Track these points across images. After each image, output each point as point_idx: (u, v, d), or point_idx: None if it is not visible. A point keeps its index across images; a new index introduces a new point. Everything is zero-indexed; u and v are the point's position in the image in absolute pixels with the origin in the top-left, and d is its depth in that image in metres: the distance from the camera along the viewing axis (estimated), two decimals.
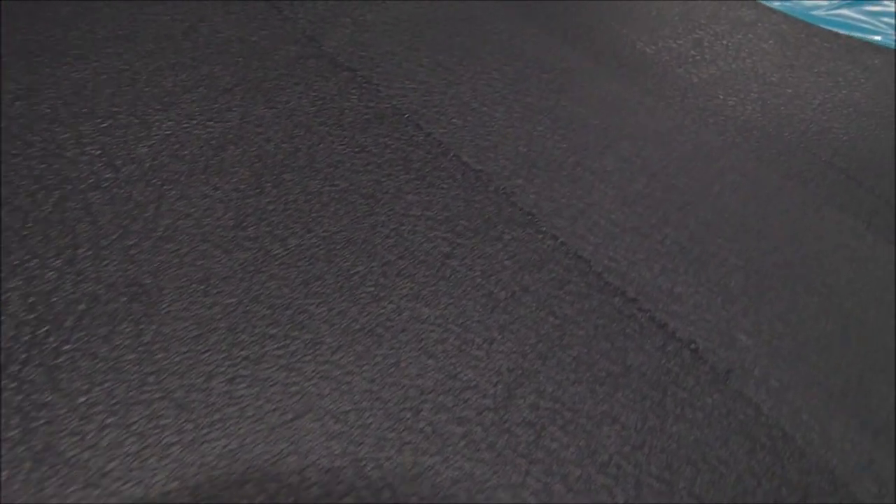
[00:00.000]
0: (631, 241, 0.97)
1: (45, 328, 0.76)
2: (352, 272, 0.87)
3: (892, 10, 2.15)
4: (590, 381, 0.80)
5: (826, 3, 2.14)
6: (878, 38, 1.91)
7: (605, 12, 1.53)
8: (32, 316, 0.77)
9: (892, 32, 2.00)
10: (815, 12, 2.05)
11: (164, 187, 0.95)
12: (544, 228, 0.97)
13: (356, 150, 1.05)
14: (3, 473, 0.65)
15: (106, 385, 0.72)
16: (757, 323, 0.89)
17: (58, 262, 0.83)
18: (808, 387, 0.83)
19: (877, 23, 2.02)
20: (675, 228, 1.00)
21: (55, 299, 0.79)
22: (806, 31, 1.64)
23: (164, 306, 0.81)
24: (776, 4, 2.04)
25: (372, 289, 0.86)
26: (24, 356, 0.74)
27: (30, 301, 0.78)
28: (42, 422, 0.69)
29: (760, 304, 0.92)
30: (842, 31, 1.90)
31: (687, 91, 1.31)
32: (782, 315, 0.91)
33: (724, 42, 1.51)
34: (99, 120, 1.03)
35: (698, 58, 1.43)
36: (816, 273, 0.97)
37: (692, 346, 0.84)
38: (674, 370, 0.82)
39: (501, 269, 0.91)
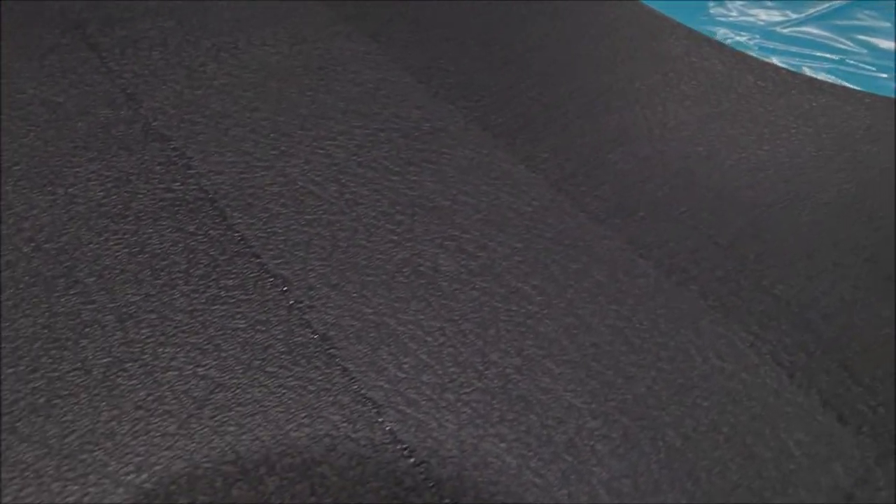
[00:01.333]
0: (442, 375, 0.79)
1: None
2: (68, 432, 0.71)
3: (867, 24, 1.93)
4: None
5: (795, 16, 1.92)
6: (833, 57, 1.70)
7: (506, 57, 1.34)
8: None
9: (864, 52, 1.79)
10: (779, 29, 1.84)
11: None
12: (337, 358, 0.80)
13: (134, 250, 0.88)
14: None
15: None
16: (574, 495, 0.71)
17: None
18: None
19: (845, 42, 1.80)
20: (504, 353, 0.82)
21: None
22: (741, 65, 1.44)
23: None
24: (732, 18, 1.83)
25: (87, 456, 0.69)
26: None
27: None
28: None
29: (588, 466, 0.73)
30: (796, 54, 1.69)
31: (572, 155, 1.12)
32: (612, 482, 0.72)
33: (637, 85, 1.31)
34: None
35: (599, 108, 1.23)
36: (672, 415, 0.79)
37: None
38: None
39: (263, 421, 0.73)
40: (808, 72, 1.61)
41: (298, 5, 1.35)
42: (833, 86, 1.42)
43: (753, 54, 1.63)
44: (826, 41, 1.81)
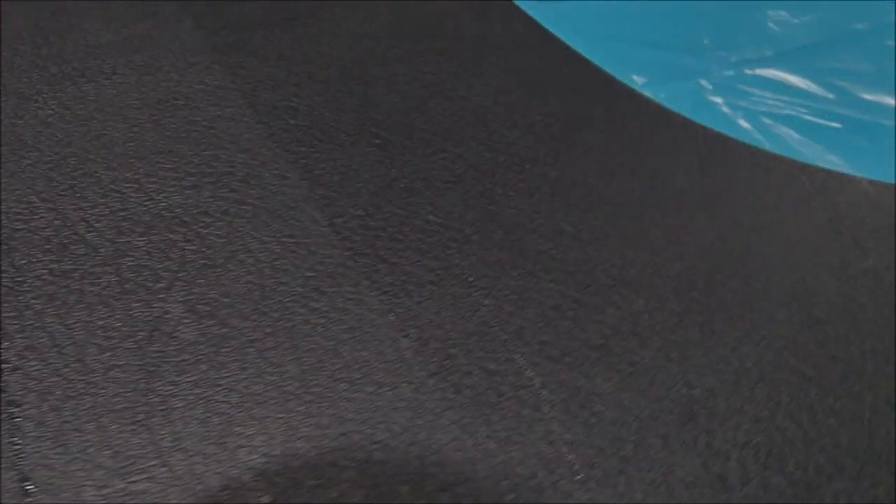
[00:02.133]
0: (92, 469, 0.75)
1: None
2: None
3: (846, 66, 1.79)
4: None
5: (768, 54, 1.79)
6: (795, 101, 1.58)
7: (365, 98, 1.28)
8: None
9: (832, 97, 1.66)
10: (746, 70, 1.71)
11: None
12: None
13: None
14: None
15: None
16: None
17: None
18: None
19: (813, 85, 1.67)
20: (186, 452, 0.77)
21: None
22: (634, 110, 1.33)
23: None
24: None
25: None
26: None
27: None
28: None
29: None
30: (752, 97, 1.57)
31: (388, 213, 1.05)
32: None
33: (499, 132, 1.23)
34: None
35: (440, 162, 1.16)
36: None
37: None
38: None
39: None
40: (765, 120, 1.50)
41: (169, 32, 1.32)
42: (736, 143, 1.30)
43: (710, 96, 1.52)
44: (794, 84, 1.68)
